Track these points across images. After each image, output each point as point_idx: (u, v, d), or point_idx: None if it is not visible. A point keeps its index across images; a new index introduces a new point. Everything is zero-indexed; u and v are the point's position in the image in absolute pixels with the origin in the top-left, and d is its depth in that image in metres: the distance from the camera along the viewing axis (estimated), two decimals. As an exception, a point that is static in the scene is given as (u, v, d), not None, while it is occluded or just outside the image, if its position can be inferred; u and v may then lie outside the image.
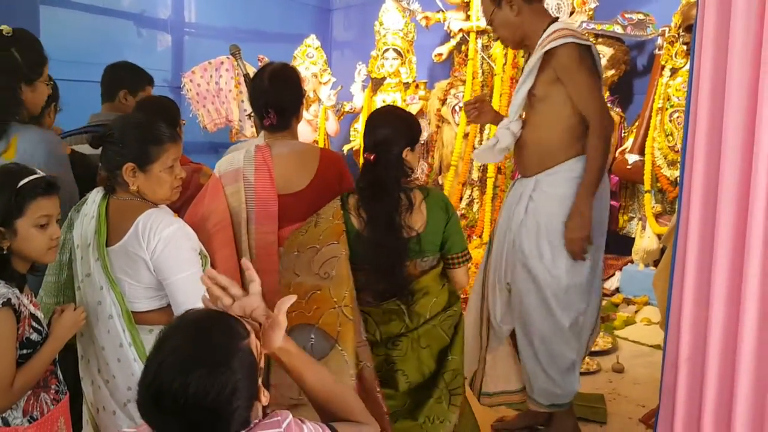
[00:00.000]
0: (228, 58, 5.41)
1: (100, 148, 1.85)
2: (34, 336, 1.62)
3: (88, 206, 1.85)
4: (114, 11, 5.22)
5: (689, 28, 2.33)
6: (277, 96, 2.15)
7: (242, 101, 5.44)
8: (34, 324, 1.63)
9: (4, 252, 1.59)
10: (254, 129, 5.51)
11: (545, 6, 2.55)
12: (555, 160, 2.36)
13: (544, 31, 2.31)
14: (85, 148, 2.60)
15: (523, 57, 4.42)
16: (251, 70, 5.32)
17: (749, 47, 1.52)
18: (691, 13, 2.35)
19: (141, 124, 1.86)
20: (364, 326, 1.97)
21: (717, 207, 1.61)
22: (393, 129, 1.99)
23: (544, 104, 2.35)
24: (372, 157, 1.95)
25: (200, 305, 1.25)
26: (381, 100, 5.32)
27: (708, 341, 1.64)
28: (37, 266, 1.70)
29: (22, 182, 1.60)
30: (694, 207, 1.69)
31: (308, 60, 5.66)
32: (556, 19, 2.38)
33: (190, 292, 1.71)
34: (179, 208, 2.12)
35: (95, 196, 1.86)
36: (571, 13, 4.29)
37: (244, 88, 5.34)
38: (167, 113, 2.62)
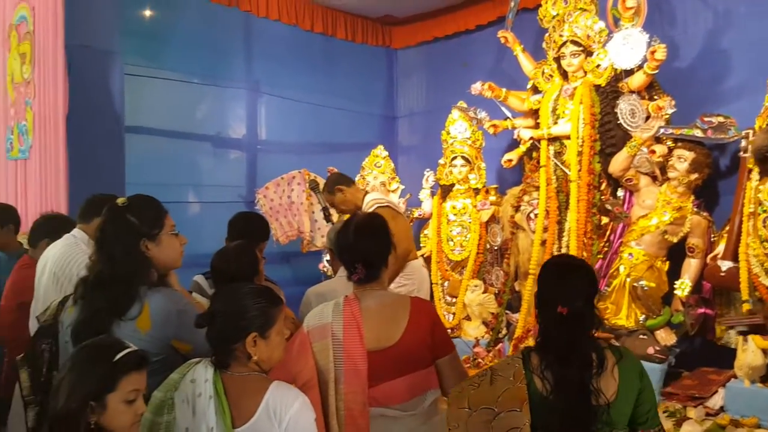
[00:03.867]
0: (299, 172, 5.55)
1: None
2: None
3: (198, 385, 1.75)
4: (192, 134, 5.46)
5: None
6: (363, 251, 2.11)
7: (313, 212, 5.53)
8: None
9: (92, 427, 1.55)
10: (324, 239, 5.57)
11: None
12: None
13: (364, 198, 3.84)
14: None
15: (599, 163, 4.33)
16: (321, 182, 5.46)
17: None
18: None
19: (259, 291, 1.85)
20: None
21: None
22: (581, 278, 1.87)
23: None
24: (565, 311, 1.79)
25: None
26: (450, 206, 5.29)
27: None
28: None
29: (117, 356, 1.58)
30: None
31: (377, 169, 5.75)
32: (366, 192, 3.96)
33: None
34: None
35: (204, 373, 1.77)
36: (647, 118, 4.19)
37: (314, 200, 5.44)
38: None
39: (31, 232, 3.26)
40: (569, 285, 1.84)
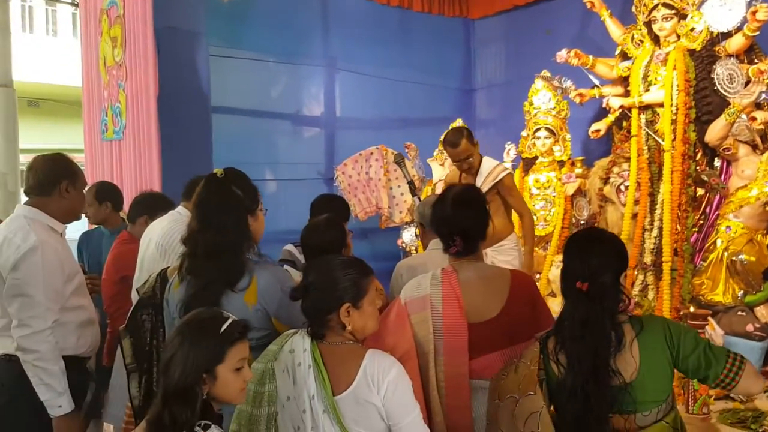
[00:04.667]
0: (377, 148, 5.54)
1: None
2: None
3: (296, 355, 1.79)
4: (271, 113, 5.54)
5: None
6: (461, 222, 2.07)
7: (391, 188, 5.52)
8: None
9: (204, 397, 1.58)
10: (402, 215, 5.56)
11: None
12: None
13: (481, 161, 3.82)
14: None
15: (694, 131, 4.12)
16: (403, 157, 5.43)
17: None
18: None
19: (349, 262, 1.86)
20: None
21: None
22: (606, 254, 1.79)
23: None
24: (585, 287, 1.72)
25: None
26: (533, 179, 5.17)
27: None
28: None
29: (223, 327, 1.61)
30: None
31: (455, 143, 5.65)
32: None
33: None
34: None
35: (302, 343, 1.80)
36: (747, 83, 3.94)
37: (392, 176, 5.43)
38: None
39: (130, 209, 3.39)
40: (592, 260, 1.76)
